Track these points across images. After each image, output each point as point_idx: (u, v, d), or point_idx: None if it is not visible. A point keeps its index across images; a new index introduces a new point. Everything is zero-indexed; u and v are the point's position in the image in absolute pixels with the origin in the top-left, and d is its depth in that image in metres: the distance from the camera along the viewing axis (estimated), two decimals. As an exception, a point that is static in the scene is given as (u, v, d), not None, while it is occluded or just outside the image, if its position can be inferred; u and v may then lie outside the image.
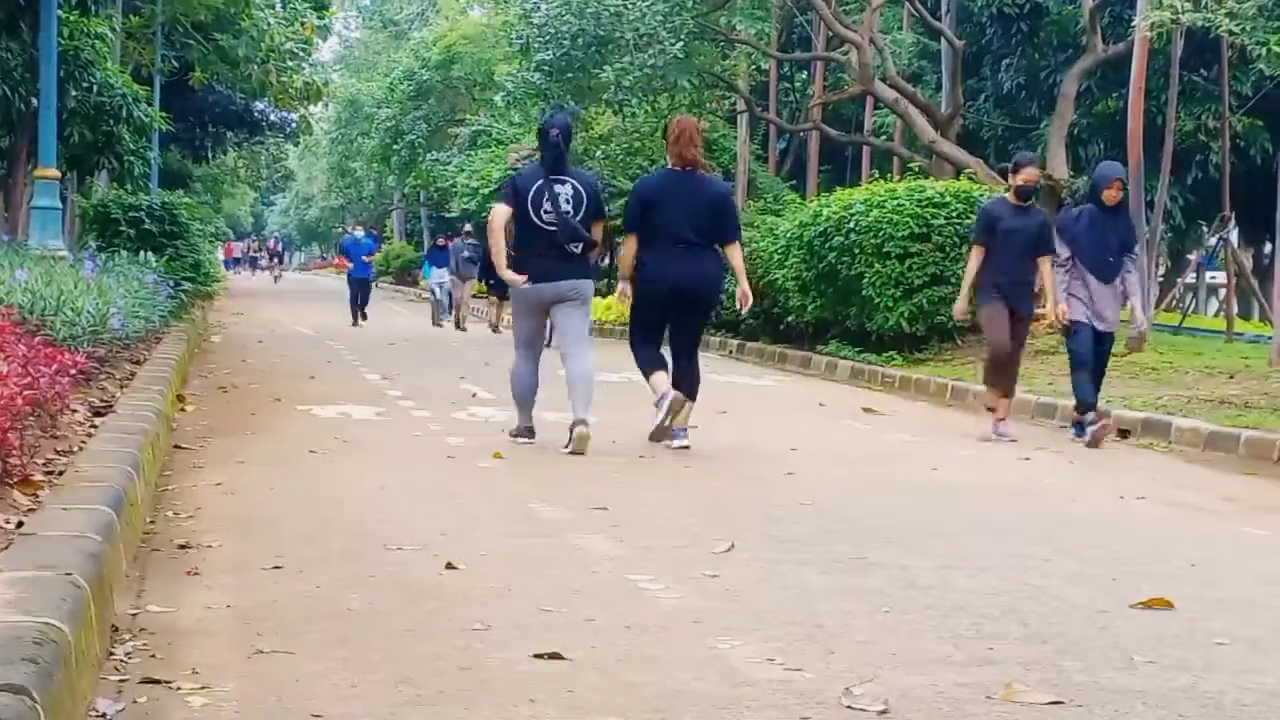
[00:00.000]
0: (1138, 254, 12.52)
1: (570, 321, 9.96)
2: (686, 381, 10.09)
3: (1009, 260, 11.24)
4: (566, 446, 9.44)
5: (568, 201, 9.71)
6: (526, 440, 9.99)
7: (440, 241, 37.08)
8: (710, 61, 26.55)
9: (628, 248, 10.22)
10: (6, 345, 6.52)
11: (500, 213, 9.80)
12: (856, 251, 17.84)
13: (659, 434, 9.85)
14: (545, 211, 9.68)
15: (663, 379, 9.91)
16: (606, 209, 11.15)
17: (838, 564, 5.97)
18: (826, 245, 18.38)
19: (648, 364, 10.09)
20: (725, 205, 10.37)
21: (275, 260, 73.07)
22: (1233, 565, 6.37)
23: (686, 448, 9.65)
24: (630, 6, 23.04)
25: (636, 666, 4.30)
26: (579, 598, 5.19)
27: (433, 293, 33.30)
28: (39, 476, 5.59)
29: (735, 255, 10.23)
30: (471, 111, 49.08)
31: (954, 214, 17.44)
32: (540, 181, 9.76)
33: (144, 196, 21.79)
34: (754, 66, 31.11)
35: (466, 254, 29.53)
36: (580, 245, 9.77)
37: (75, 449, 6.51)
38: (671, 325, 10.28)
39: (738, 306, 10.66)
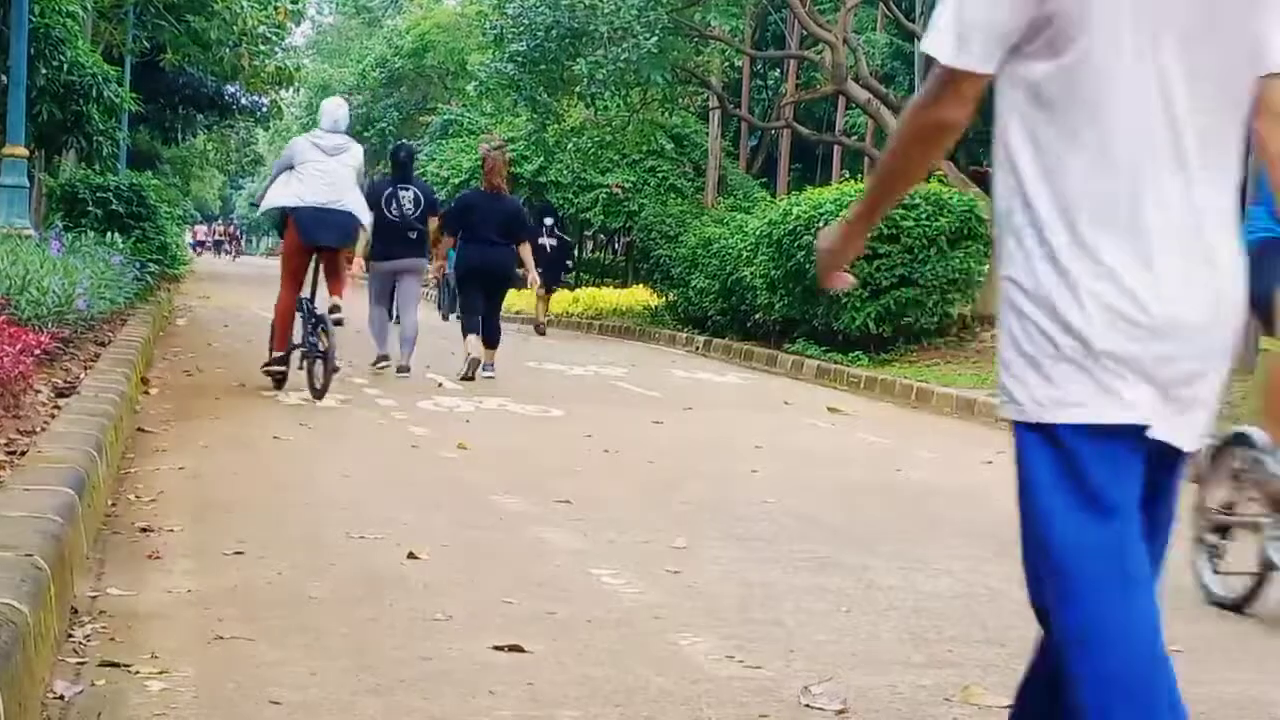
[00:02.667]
0: None
1: (406, 286, 14.21)
2: (489, 332, 14.39)
3: None
4: (397, 373, 13.59)
5: (410, 203, 13.95)
6: (385, 364, 13.87)
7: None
8: (684, 57, 26.51)
9: (445, 243, 14.76)
10: (-29, 323, 6.49)
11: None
12: (825, 251, 17.86)
13: (467, 376, 13.71)
14: (393, 210, 13.84)
15: (474, 341, 14.08)
16: (442, 207, 15.30)
17: (799, 563, 5.98)
18: (796, 244, 18.39)
19: (468, 329, 14.24)
20: (518, 216, 14.81)
21: (233, 243, 74.92)
22: (1187, 570, 6.40)
23: (492, 378, 13.98)
24: (604, 0, 23.03)
25: (597, 660, 4.31)
26: (540, 590, 5.19)
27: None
28: (1, 456, 5.56)
29: (525, 251, 14.61)
30: (443, 100, 49.00)
31: (923, 216, 17.45)
32: (390, 189, 14.09)
33: (112, 177, 21.66)
34: (727, 63, 31.16)
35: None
36: (415, 233, 14.01)
37: (38, 429, 6.48)
38: (483, 294, 14.34)
39: (528, 286, 16.32)
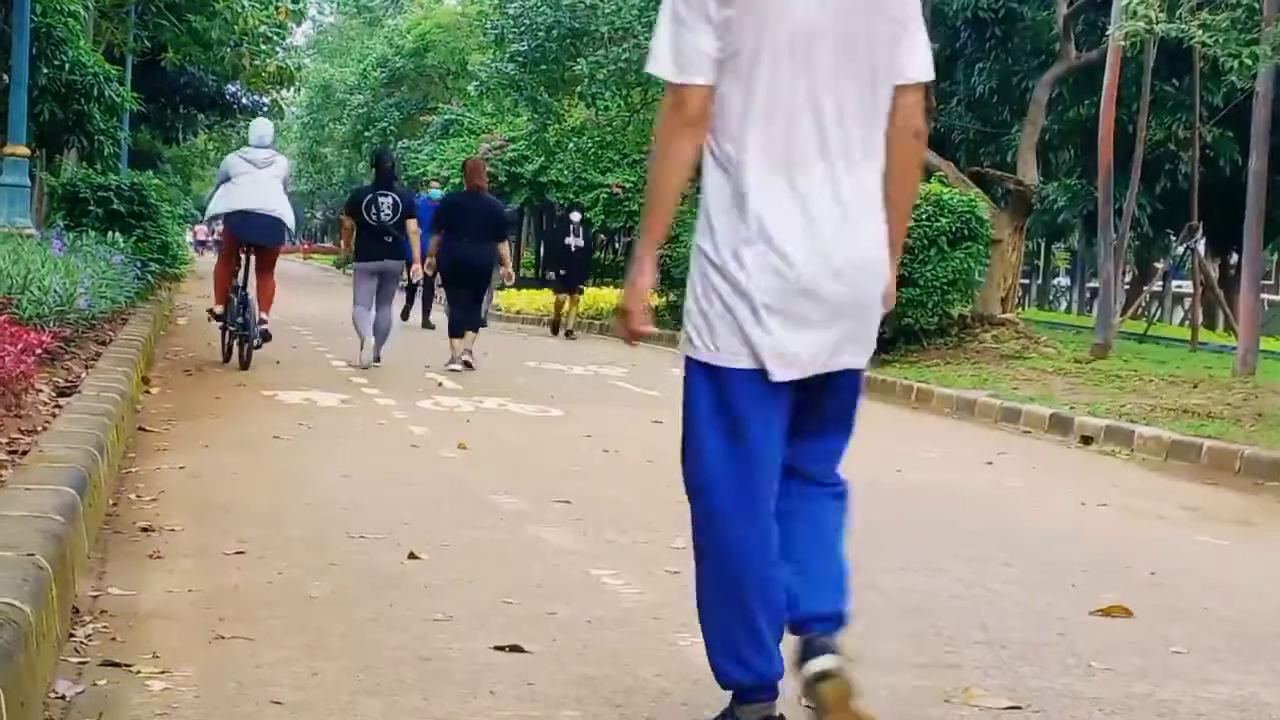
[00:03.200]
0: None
1: (384, 285, 14.90)
2: (471, 319, 15.56)
3: None
4: (369, 363, 14.66)
5: (388, 209, 14.65)
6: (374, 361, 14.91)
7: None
8: (685, 57, 26.54)
9: (435, 241, 15.36)
10: (-28, 323, 6.49)
11: (347, 218, 15.17)
12: (825, 251, 17.85)
13: (450, 365, 15.02)
14: (372, 215, 14.62)
15: (458, 343, 15.30)
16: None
17: (799, 563, 5.98)
18: (796, 244, 18.39)
19: (454, 330, 15.43)
20: (499, 215, 15.88)
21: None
22: (1191, 574, 6.41)
23: (472, 367, 15.15)
24: (605, 0, 23.04)
25: (596, 661, 4.31)
26: (540, 590, 5.20)
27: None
28: (2, 456, 5.57)
29: (504, 248, 15.91)
30: (444, 100, 48.99)
31: (923, 216, 17.45)
32: (371, 194, 14.80)
33: (113, 176, 21.61)
34: (728, 64, 31.14)
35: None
36: (392, 237, 14.75)
37: (39, 429, 6.48)
38: (468, 288, 15.57)
39: (505, 282, 17.59)
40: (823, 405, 3.72)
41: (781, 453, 3.65)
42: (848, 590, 3.83)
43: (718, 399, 3.53)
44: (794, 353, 3.47)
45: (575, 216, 24.18)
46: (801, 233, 3.42)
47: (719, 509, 3.56)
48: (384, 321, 15.01)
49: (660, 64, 3.46)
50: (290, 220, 13.95)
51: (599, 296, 28.77)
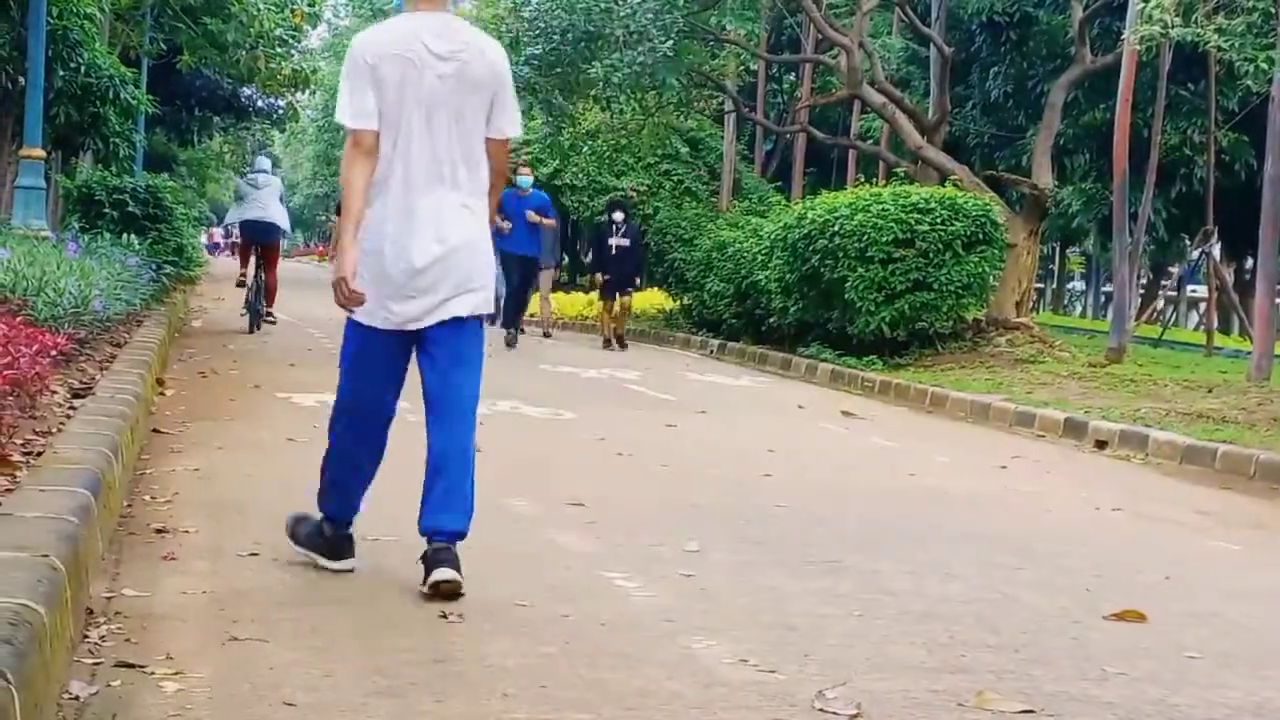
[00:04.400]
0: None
1: None
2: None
3: None
4: None
5: None
6: None
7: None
8: (699, 60, 26.53)
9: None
10: (-13, 324, 6.51)
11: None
12: (840, 255, 17.85)
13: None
14: None
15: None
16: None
17: (812, 567, 5.99)
18: (810, 248, 18.39)
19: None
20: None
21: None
22: (1205, 579, 6.40)
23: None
24: (621, 3, 23.02)
25: (609, 664, 4.31)
26: (553, 593, 5.20)
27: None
28: (17, 457, 5.58)
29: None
30: (459, 103, 48.98)
31: (938, 220, 17.43)
32: None
33: (128, 179, 21.68)
34: (743, 67, 31.13)
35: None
36: None
37: (54, 430, 6.50)
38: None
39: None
40: (444, 354, 5.29)
41: (399, 382, 5.43)
42: (466, 506, 5.30)
43: (358, 343, 5.34)
44: (414, 314, 5.23)
45: (618, 215, 22.09)
46: (419, 233, 5.19)
47: (349, 409, 5.46)
48: None
49: (343, 114, 5.19)
50: (284, 223, 19.37)
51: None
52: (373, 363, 5.32)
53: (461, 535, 5.20)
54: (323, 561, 5.43)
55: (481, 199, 5.33)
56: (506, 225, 19.00)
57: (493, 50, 5.37)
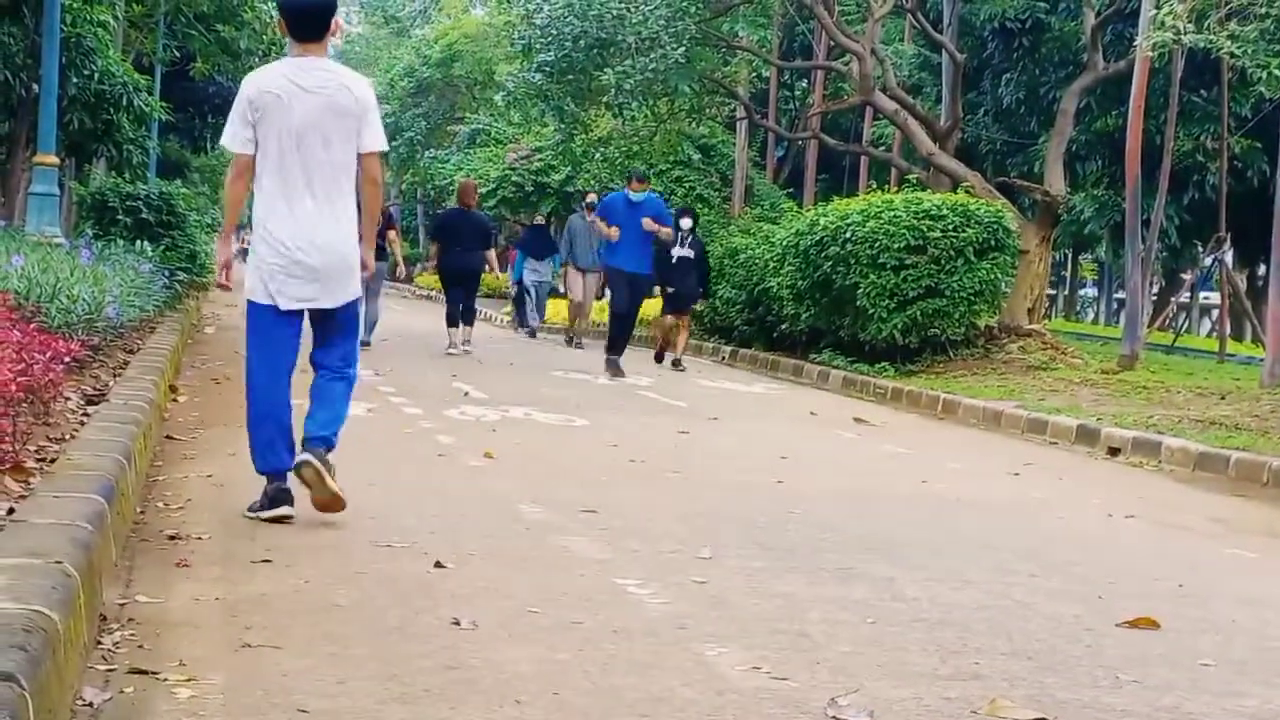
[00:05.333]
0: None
1: (372, 286, 17.13)
2: (466, 317, 19.43)
3: None
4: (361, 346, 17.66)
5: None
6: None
7: (537, 219, 30.60)
8: (711, 67, 26.54)
9: (434, 249, 20.49)
10: (1, 331, 6.52)
11: None
12: (852, 262, 17.85)
13: (449, 350, 18.75)
14: None
15: (455, 331, 19.21)
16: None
17: (824, 574, 5.98)
18: (822, 254, 18.39)
19: (450, 320, 19.39)
20: (485, 228, 20.45)
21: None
22: (1219, 586, 6.39)
23: (469, 352, 18.85)
24: (633, 10, 23.04)
25: (622, 671, 4.31)
26: (566, 600, 5.20)
27: (522, 290, 26.76)
28: (31, 463, 5.59)
29: (490, 254, 20.54)
30: (471, 110, 49.07)
31: (950, 227, 17.43)
32: None
33: (141, 185, 21.69)
34: (755, 73, 31.17)
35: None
36: (378, 245, 20.48)
37: (67, 437, 6.51)
38: (462, 288, 19.55)
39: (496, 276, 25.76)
40: (326, 327, 6.74)
41: (293, 349, 6.67)
42: (333, 426, 6.66)
43: (258, 320, 6.62)
44: (292, 295, 6.53)
45: (685, 223, 19.56)
46: (291, 232, 6.47)
47: (257, 373, 6.66)
48: (373, 313, 17.54)
49: (226, 140, 6.57)
50: None
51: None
52: (268, 334, 6.61)
53: (327, 440, 6.62)
54: (264, 515, 6.44)
55: (349, 203, 6.65)
56: (614, 232, 17.38)
57: (358, 85, 6.70)
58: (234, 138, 6.49)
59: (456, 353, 18.57)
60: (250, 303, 6.57)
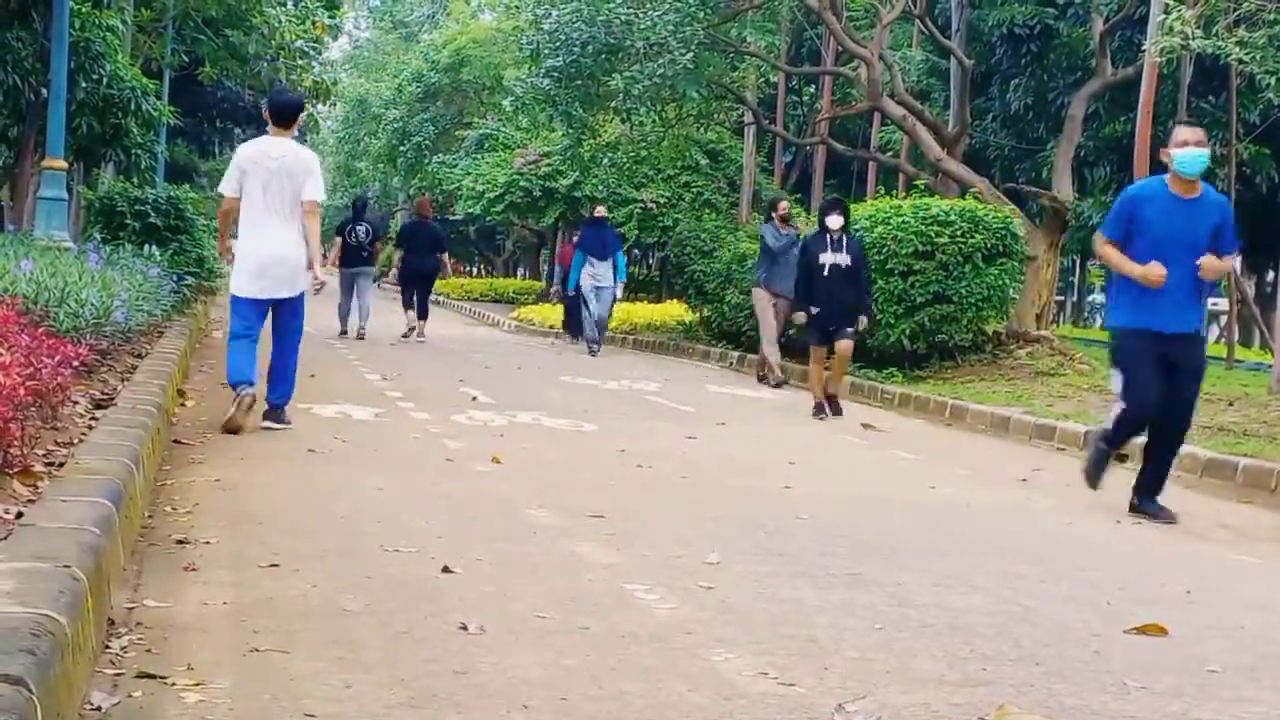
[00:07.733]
0: None
1: (361, 284, 22.96)
2: (421, 312, 23.29)
3: None
4: (357, 337, 22.50)
5: (362, 234, 22.87)
6: (342, 332, 22.94)
7: (598, 211, 24.66)
8: (719, 72, 26.52)
9: (396, 255, 25.00)
10: (10, 335, 6.53)
11: (336, 237, 23.37)
12: (860, 267, 17.81)
13: (405, 337, 22.98)
14: (351, 238, 22.77)
15: (412, 315, 23.30)
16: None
17: (832, 579, 5.98)
18: (830, 260, 18.33)
19: (406, 306, 23.65)
20: (438, 236, 24.02)
21: None
22: (1227, 593, 6.38)
23: (423, 341, 22.73)
24: (641, 15, 23.04)
25: (630, 676, 4.31)
26: (574, 605, 5.19)
27: (579, 297, 23.56)
28: (39, 467, 5.60)
29: (444, 257, 23.97)
30: (479, 115, 49.08)
31: (958, 233, 17.41)
32: (350, 224, 23.04)
33: (150, 190, 21.70)
34: (763, 79, 31.14)
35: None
36: (366, 252, 22.96)
37: (76, 441, 6.52)
38: (417, 288, 23.48)
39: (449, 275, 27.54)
40: (283, 309, 10.10)
41: (260, 323, 10.10)
42: (284, 400, 10.20)
43: (238, 307, 9.99)
44: (259, 288, 9.94)
45: (834, 220, 14.40)
46: (258, 249, 9.92)
47: (235, 331, 10.05)
48: (365, 308, 22.91)
49: (223, 187, 10.21)
50: None
51: (632, 311, 28.76)
52: (244, 315, 10.04)
53: (279, 405, 10.20)
54: (239, 392, 9.78)
55: (299, 231, 10.04)
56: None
57: (306, 156, 10.19)
58: (227, 185, 10.11)
59: (408, 340, 22.81)
60: (233, 296, 10.08)
